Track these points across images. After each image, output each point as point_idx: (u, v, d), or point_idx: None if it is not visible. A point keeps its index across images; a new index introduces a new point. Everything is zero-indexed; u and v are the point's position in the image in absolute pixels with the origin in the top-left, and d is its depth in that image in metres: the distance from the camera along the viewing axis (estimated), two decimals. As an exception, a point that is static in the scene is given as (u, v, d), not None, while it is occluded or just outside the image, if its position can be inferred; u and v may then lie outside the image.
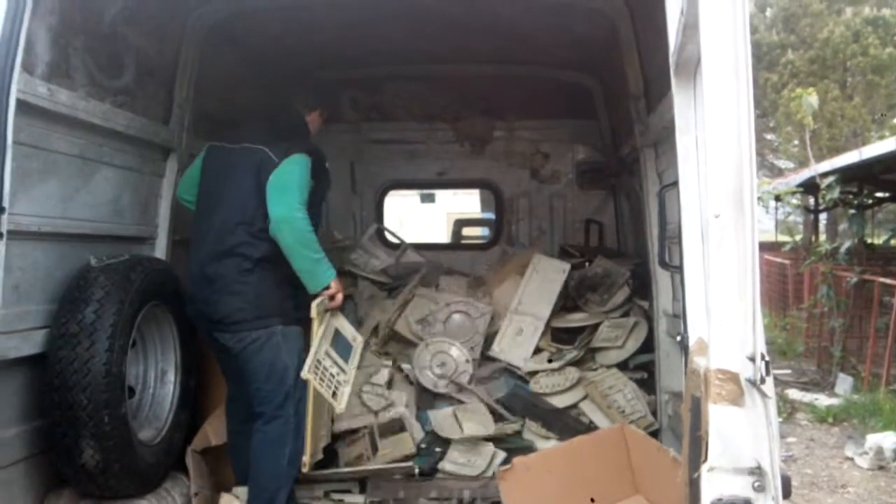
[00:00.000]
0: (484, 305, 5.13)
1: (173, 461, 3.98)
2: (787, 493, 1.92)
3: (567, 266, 5.31)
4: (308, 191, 4.01)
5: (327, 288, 4.02)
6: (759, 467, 1.84)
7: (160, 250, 4.37)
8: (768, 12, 24.72)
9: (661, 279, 4.37)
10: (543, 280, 5.23)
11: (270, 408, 3.91)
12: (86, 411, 3.32)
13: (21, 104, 3.00)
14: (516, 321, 5.12)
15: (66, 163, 3.54)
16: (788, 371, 11.63)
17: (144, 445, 3.71)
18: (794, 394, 10.07)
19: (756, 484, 1.85)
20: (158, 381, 4.07)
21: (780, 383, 10.07)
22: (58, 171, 3.49)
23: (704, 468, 1.85)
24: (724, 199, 1.87)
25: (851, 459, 7.61)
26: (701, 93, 2.17)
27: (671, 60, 2.51)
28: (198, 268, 4.00)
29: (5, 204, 2.88)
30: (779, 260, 15.55)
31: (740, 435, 1.86)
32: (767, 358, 1.82)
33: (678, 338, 2.89)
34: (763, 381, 1.81)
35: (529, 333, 5.05)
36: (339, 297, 4.12)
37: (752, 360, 1.81)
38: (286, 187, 3.92)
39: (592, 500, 3.73)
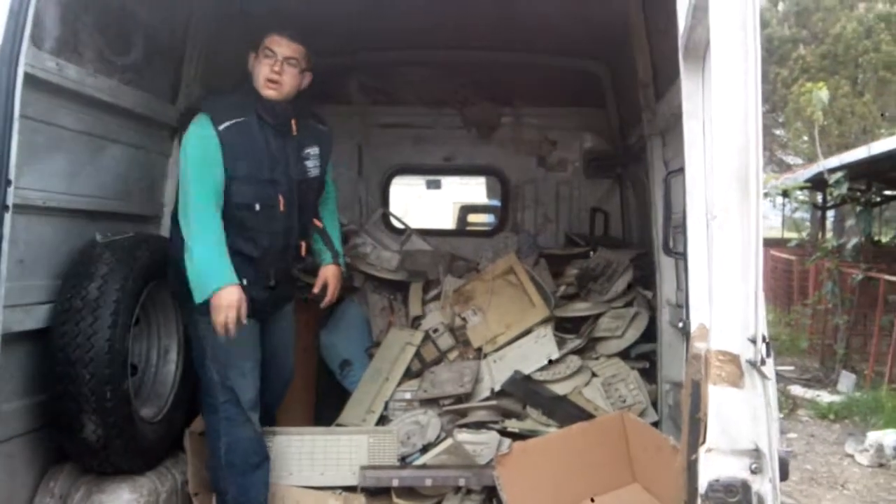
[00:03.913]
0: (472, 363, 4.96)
1: (174, 440, 3.99)
2: (783, 476, 1.93)
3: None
4: (206, 166, 3.58)
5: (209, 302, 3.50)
6: (756, 449, 1.84)
7: (166, 229, 4.37)
8: (780, 6, 24.56)
9: (665, 269, 4.36)
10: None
11: (202, 395, 3.86)
12: (88, 386, 3.33)
13: (29, 78, 3.00)
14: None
15: (72, 138, 3.55)
16: (791, 367, 11.64)
17: (146, 423, 3.72)
18: (796, 390, 10.08)
19: (753, 466, 1.85)
20: (161, 359, 4.07)
21: (782, 379, 10.07)
22: (64, 147, 3.50)
23: (702, 450, 1.85)
24: (730, 180, 1.86)
25: (852, 456, 7.63)
26: (709, 76, 2.16)
27: (680, 43, 2.50)
28: None
29: (11, 177, 2.88)
30: (784, 256, 15.52)
31: (739, 417, 1.86)
32: (768, 340, 1.82)
33: (680, 324, 2.89)
34: (763, 362, 1.82)
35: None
36: (223, 318, 3.48)
37: (753, 341, 1.82)
38: (181, 180, 3.68)
39: (592, 500, 3.73)
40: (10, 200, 2.88)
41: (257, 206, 3.67)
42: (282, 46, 3.69)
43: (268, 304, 3.90)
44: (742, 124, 1.86)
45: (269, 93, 3.71)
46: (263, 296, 3.82)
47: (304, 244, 3.97)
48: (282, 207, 3.77)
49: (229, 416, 3.75)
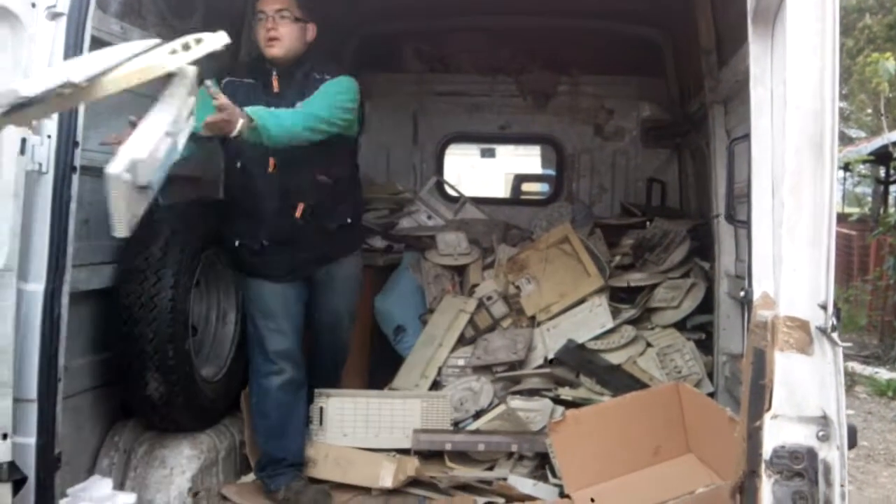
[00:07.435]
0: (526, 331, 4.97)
1: (233, 399, 4.08)
2: (852, 444, 1.89)
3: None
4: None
5: None
6: (824, 416, 1.81)
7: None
8: (846, -26, 23.77)
9: (725, 239, 4.29)
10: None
11: None
12: (151, 345, 3.42)
13: (95, 41, 3.04)
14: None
15: (135, 101, 3.59)
16: (850, 344, 11.31)
17: (206, 382, 3.81)
18: (854, 366, 9.87)
19: (820, 433, 1.82)
20: (220, 321, 4.15)
21: (840, 355, 9.86)
22: (128, 110, 3.53)
23: (767, 416, 1.82)
24: (803, 144, 1.81)
25: (910, 434, 7.48)
26: (781, 39, 2.11)
27: (749, 6, 2.43)
28: None
29: (79, 138, 2.94)
30: (844, 231, 15.13)
31: (807, 383, 1.83)
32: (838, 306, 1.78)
33: (742, 293, 2.84)
34: (834, 329, 1.78)
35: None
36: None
37: (824, 308, 1.78)
38: None
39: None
40: (77, 162, 2.94)
41: (238, 164, 3.81)
42: (267, 4, 3.73)
43: (275, 267, 3.88)
44: (818, 86, 1.80)
45: (272, 52, 3.73)
46: (258, 258, 3.85)
47: (301, 206, 3.79)
48: (270, 168, 3.75)
49: (256, 367, 3.95)
